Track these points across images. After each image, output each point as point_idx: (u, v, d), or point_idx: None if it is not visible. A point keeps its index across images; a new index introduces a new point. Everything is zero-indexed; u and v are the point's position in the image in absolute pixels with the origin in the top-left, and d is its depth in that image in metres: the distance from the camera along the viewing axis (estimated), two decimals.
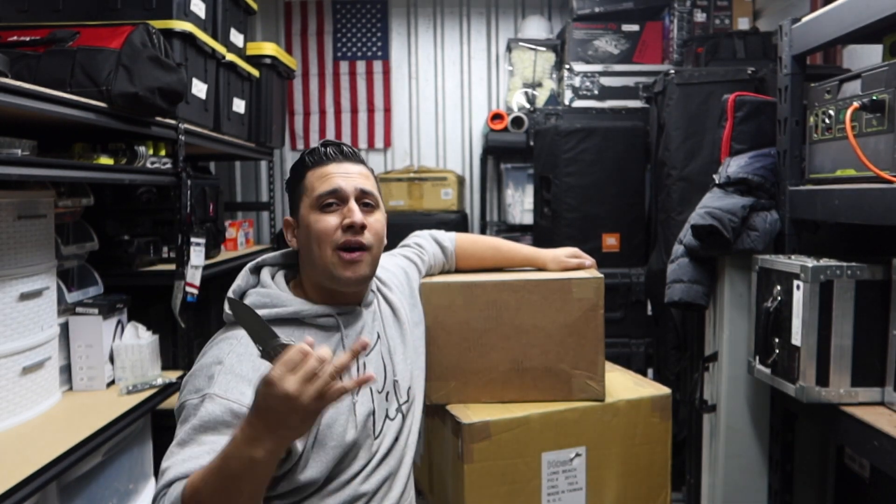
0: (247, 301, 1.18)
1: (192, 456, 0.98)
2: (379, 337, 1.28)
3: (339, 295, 1.21)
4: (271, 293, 1.18)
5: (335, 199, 1.17)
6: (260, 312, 1.13)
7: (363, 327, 1.24)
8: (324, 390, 0.86)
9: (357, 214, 1.15)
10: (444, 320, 1.46)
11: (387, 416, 1.25)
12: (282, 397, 0.85)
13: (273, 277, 1.23)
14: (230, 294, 1.21)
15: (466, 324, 1.46)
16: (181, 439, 1.01)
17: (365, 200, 1.19)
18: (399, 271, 1.44)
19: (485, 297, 1.46)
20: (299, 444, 1.10)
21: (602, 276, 1.49)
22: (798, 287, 1.55)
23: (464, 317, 1.46)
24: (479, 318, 1.46)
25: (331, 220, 1.15)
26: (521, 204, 3.73)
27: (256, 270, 1.25)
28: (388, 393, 1.26)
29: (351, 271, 1.15)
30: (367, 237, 1.16)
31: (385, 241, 1.26)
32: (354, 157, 1.22)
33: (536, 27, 3.92)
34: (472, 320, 1.46)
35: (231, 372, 1.06)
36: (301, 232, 1.19)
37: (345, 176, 1.18)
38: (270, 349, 0.90)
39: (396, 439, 1.27)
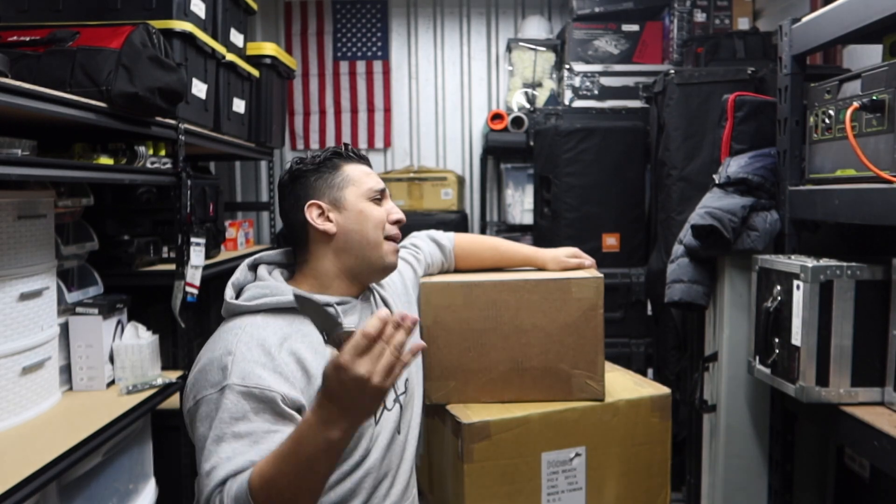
0: (246, 294, 1.20)
1: (237, 452, 1.01)
2: None
3: (347, 287, 1.26)
4: (269, 284, 1.21)
5: (381, 196, 1.28)
6: (260, 301, 1.17)
7: (360, 319, 1.27)
8: (390, 367, 0.90)
9: (401, 213, 1.29)
10: (443, 320, 1.46)
11: (384, 405, 1.26)
12: (355, 379, 0.90)
13: (270, 274, 1.26)
14: (230, 287, 1.23)
15: (466, 324, 1.46)
16: (215, 436, 1.03)
17: None
18: (407, 276, 1.47)
19: (485, 297, 1.47)
20: None
21: (602, 276, 1.49)
22: (798, 287, 1.55)
23: (464, 317, 1.46)
24: (479, 318, 1.46)
25: (382, 212, 1.26)
26: (521, 204, 3.73)
27: (254, 267, 1.28)
28: None
29: (396, 259, 1.28)
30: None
31: None
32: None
33: (536, 27, 3.92)
34: (472, 320, 1.46)
35: (244, 359, 1.08)
36: (348, 216, 1.24)
37: (378, 178, 1.31)
38: (336, 336, 0.95)
39: (398, 432, 1.27)
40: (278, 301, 1.17)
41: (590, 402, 1.48)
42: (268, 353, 1.09)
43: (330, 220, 1.23)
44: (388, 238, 1.26)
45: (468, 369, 1.47)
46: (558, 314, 1.47)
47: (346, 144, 1.31)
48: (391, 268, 1.28)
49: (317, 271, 1.25)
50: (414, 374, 1.37)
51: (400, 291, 1.43)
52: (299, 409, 1.09)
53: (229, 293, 1.22)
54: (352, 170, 1.27)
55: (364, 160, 1.32)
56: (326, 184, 1.25)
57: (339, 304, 1.22)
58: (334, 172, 1.26)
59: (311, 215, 1.23)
